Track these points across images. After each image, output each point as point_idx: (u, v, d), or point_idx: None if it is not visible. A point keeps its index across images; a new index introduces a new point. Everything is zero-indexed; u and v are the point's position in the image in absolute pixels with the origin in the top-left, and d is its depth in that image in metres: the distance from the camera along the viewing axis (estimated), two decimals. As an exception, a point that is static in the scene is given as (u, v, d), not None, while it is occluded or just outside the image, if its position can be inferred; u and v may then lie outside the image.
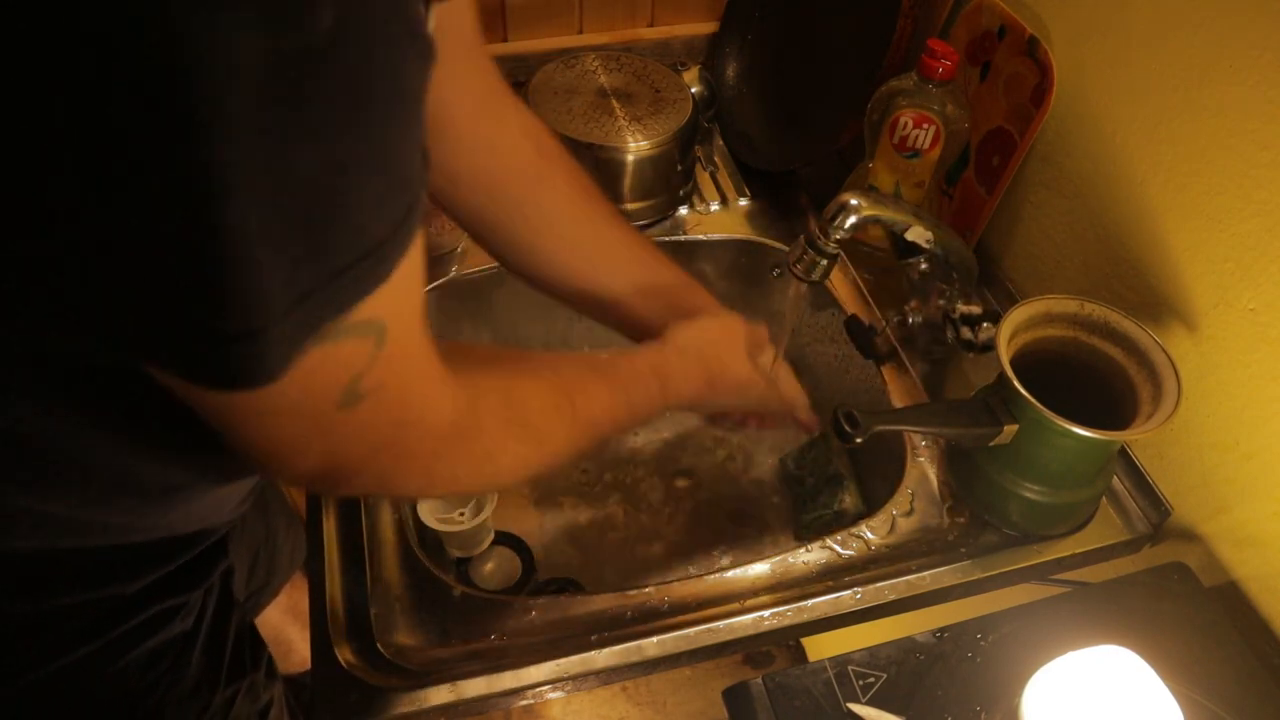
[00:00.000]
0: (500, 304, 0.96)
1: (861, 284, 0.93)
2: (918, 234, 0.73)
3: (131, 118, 0.25)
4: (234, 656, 0.64)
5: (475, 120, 0.61)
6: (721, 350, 0.68)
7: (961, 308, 0.79)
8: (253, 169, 0.27)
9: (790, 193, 1.03)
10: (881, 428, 0.65)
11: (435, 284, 0.91)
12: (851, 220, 0.71)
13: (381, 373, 0.38)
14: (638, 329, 0.70)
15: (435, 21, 0.37)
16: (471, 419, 0.49)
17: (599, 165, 0.91)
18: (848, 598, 0.68)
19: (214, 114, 0.25)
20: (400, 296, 0.36)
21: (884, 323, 0.88)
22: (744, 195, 1.02)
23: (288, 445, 0.39)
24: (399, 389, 0.40)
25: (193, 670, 0.59)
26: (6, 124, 0.25)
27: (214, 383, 0.32)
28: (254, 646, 0.69)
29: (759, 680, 0.60)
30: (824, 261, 0.74)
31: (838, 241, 0.72)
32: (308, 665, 0.63)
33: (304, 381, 0.34)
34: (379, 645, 0.64)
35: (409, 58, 0.31)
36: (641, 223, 0.96)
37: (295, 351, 0.32)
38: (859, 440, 0.64)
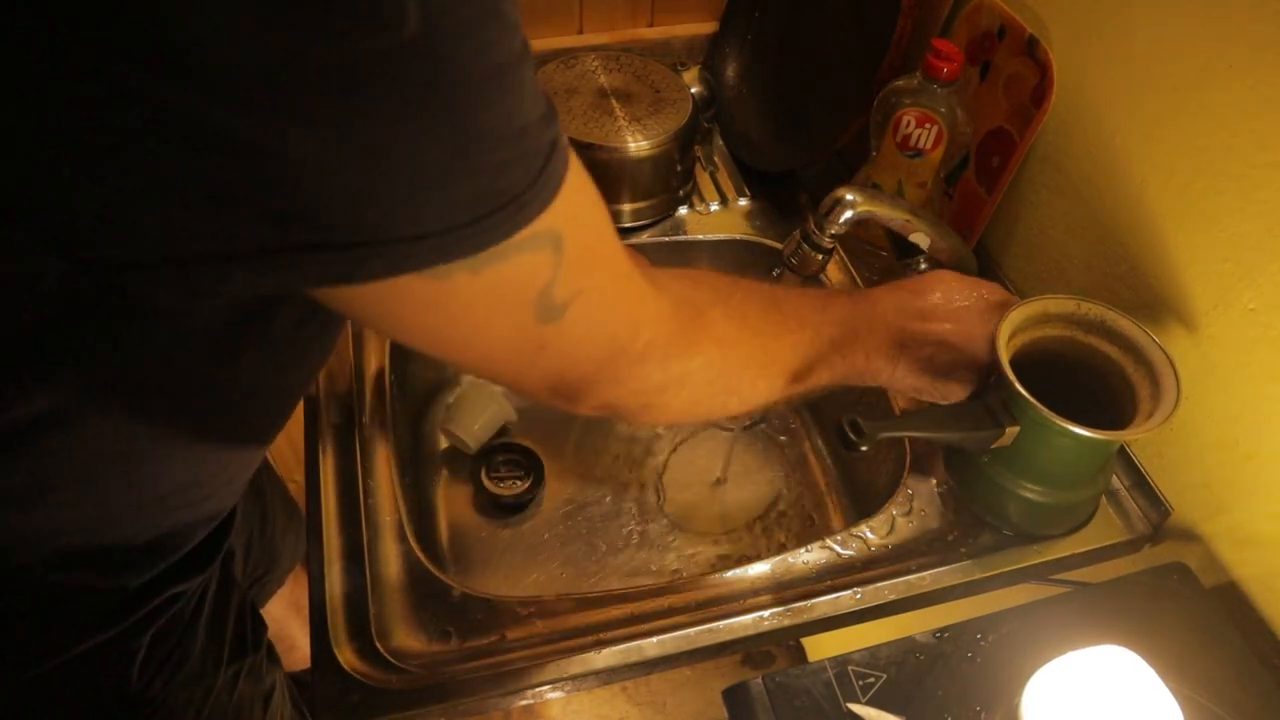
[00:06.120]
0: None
1: (862, 284, 0.92)
2: (918, 235, 0.73)
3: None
4: (235, 635, 0.65)
5: None
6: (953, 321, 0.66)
7: (961, 308, 0.79)
8: (385, 150, 0.29)
9: (790, 193, 1.03)
10: (886, 435, 0.65)
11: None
12: (846, 215, 0.71)
13: (573, 280, 0.38)
14: None
15: None
16: (701, 326, 0.49)
17: (599, 165, 0.91)
18: (848, 598, 0.68)
19: (326, 100, 0.28)
20: (569, 206, 0.36)
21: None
22: (744, 195, 1.02)
23: (506, 361, 0.41)
24: (598, 294, 0.41)
25: (196, 650, 0.60)
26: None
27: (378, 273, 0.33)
28: (255, 628, 0.69)
29: (759, 680, 0.60)
30: (818, 256, 0.74)
31: (833, 236, 0.72)
32: (310, 663, 0.63)
33: (490, 298, 0.36)
34: (379, 646, 0.64)
35: (499, 35, 0.32)
36: (642, 222, 0.97)
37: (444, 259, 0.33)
38: (864, 449, 0.64)
